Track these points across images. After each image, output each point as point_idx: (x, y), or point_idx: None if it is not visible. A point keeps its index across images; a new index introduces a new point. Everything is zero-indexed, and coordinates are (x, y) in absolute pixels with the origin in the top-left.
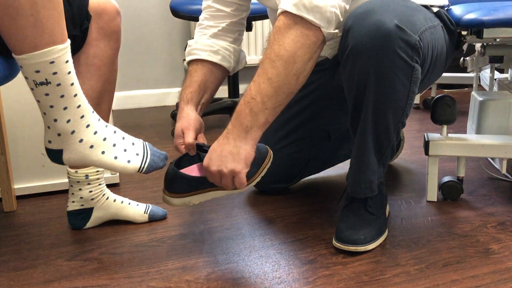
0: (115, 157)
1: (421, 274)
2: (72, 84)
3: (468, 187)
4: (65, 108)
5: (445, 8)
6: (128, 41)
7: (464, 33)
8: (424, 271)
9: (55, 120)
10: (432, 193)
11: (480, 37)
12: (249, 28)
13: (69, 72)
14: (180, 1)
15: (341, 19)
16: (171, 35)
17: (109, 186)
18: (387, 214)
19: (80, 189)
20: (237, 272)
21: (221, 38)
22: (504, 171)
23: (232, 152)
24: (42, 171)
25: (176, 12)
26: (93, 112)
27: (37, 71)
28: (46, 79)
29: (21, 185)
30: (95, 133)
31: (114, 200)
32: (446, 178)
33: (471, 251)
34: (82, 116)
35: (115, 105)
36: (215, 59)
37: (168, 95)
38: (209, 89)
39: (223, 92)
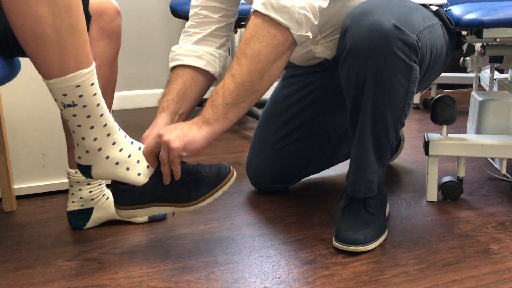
0: (138, 174)
1: (421, 274)
2: (98, 104)
3: (468, 187)
4: (91, 127)
5: (445, 9)
6: (128, 41)
7: (464, 33)
8: (424, 271)
9: (83, 138)
10: (432, 193)
11: (480, 37)
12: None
13: (95, 94)
14: (180, 1)
15: (315, 22)
16: (171, 35)
17: (108, 187)
18: (387, 214)
19: (80, 189)
20: (237, 272)
21: (205, 43)
22: (504, 171)
23: (183, 131)
24: (42, 171)
25: (176, 12)
26: (119, 129)
27: (65, 95)
28: (73, 102)
29: (21, 185)
30: (121, 150)
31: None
32: (446, 178)
33: (471, 251)
34: (109, 134)
35: (115, 105)
36: (199, 64)
37: None
38: (189, 97)
39: None
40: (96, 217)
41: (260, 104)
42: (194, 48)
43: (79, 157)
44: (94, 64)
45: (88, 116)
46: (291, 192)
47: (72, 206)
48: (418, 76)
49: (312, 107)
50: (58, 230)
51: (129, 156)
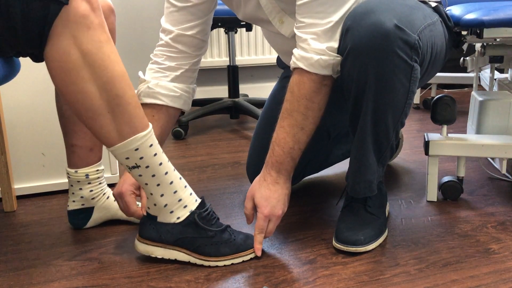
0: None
1: (421, 274)
2: (160, 164)
3: (468, 187)
4: (158, 185)
5: (445, 8)
6: (127, 41)
7: (464, 33)
8: (424, 271)
9: (151, 194)
10: (432, 193)
11: (480, 37)
12: (249, 28)
13: (155, 154)
14: None
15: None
16: None
17: (109, 186)
18: (387, 214)
19: (80, 189)
20: (237, 272)
21: (182, 80)
22: (504, 171)
23: (287, 194)
24: (42, 171)
25: None
26: (185, 186)
27: (127, 158)
28: (135, 163)
29: (21, 185)
30: (185, 207)
31: (115, 200)
32: (446, 178)
33: (471, 251)
34: (175, 192)
35: None
36: (178, 104)
37: None
38: (162, 141)
39: (223, 92)
40: (96, 217)
41: (260, 104)
42: (172, 87)
43: (148, 207)
44: (150, 126)
45: (153, 175)
46: (291, 192)
47: (73, 206)
48: (418, 76)
49: None
50: (58, 230)
51: (190, 211)
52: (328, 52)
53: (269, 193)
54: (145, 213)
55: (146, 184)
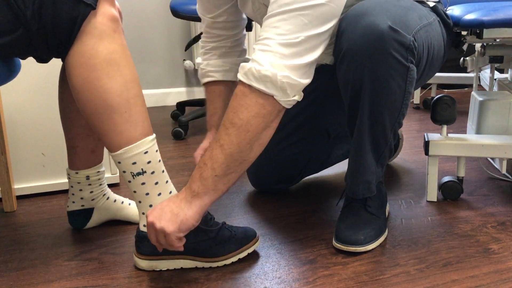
0: None
1: (421, 274)
2: (163, 171)
3: (468, 187)
4: (159, 194)
5: (445, 8)
6: (128, 41)
7: (464, 33)
8: (424, 271)
9: (150, 206)
10: (432, 193)
11: (480, 37)
12: (249, 28)
13: (159, 160)
14: (180, 1)
15: (302, 85)
16: (171, 35)
17: (109, 186)
18: (387, 214)
19: (81, 190)
20: (237, 272)
21: (229, 55)
22: (504, 171)
23: (173, 212)
24: (42, 171)
25: (176, 12)
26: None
27: (134, 163)
28: (142, 169)
29: (21, 185)
30: None
31: (115, 201)
32: (446, 178)
33: (471, 251)
34: None
35: None
36: (229, 77)
37: (168, 95)
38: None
39: None
40: (96, 217)
41: None
42: (221, 63)
43: (144, 225)
44: (154, 134)
45: (156, 183)
46: (291, 192)
47: (73, 206)
48: (415, 76)
49: (312, 107)
50: (58, 230)
51: None
52: (268, 65)
53: (165, 201)
54: (142, 228)
55: (147, 194)
